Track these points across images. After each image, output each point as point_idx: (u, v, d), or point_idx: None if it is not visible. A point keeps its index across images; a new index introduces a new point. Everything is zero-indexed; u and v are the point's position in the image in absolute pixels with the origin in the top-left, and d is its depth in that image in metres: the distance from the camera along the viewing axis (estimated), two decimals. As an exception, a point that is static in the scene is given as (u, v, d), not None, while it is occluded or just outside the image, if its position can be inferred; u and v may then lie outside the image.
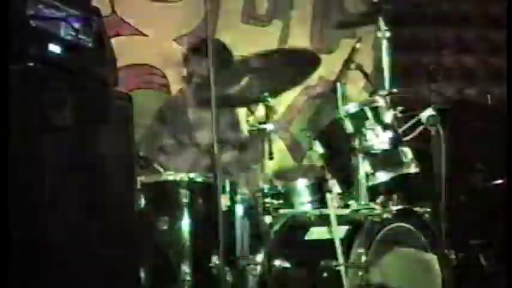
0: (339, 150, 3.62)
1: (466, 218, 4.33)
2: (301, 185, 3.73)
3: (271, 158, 3.48)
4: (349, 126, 3.59)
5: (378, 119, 3.57)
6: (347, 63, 4.11)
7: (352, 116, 3.61)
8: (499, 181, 4.51)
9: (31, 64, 2.45)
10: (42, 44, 2.50)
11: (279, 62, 3.57)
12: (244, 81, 3.54)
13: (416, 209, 3.57)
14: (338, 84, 4.10)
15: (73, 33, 2.58)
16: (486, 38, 5.74)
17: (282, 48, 4.58)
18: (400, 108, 3.67)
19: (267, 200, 3.48)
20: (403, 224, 3.45)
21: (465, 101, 4.72)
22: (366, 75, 4.27)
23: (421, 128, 3.76)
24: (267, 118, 3.55)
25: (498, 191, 4.52)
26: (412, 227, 3.47)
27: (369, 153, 3.51)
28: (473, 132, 4.70)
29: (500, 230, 4.37)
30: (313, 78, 4.87)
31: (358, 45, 4.14)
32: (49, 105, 2.49)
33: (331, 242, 3.33)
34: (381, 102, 3.63)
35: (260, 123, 3.56)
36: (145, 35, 4.53)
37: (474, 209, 4.51)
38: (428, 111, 3.72)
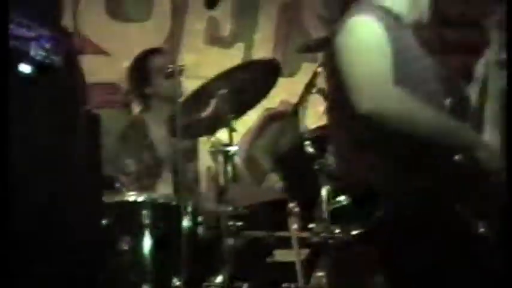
0: (300, 172, 3.65)
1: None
2: (263, 207, 3.76)
3: (235, 180, 3.49)
4: (310, 149, 3.62)
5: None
6: (309, 87, 4.15)
7: (313, 139, 3.65)
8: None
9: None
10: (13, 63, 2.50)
11: (242, 78, 3.58)
12: (211, 106, 3.54)
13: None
14: (299, 107, 4.15)
15: (43, 53, 2.57)
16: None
17: (242, 64, 4.62)
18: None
19: (230, 221, 3.48)
20: (363, 247, 3.51)
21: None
22: (327, 99, 4.32)
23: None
24: (230, 140, 3.56)
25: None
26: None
27: (330, 176, 3.55)
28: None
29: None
30: (275, 101, 4.92)
31: (319, 70, 4.18)
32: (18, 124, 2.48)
33: (292, 264, 3.37)
34: (342, 125, 3.67)
35: (223, 145, 3.57)
36: (108, 54, 4.53)
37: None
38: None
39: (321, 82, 4.26)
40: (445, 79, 2.88)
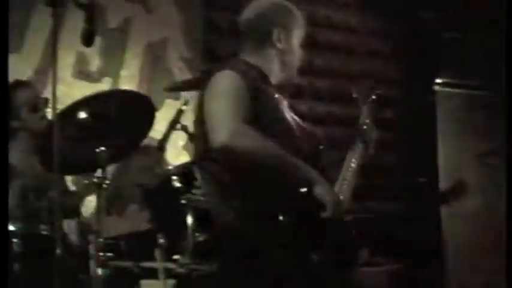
0: (168, 206, 3.79)
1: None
2: (130, 237, 3.84)
3: (109, 213, 3.58)
4: (178, 184, 3.77)
5: (206, 178, 3.77)
6: (173, 123, 4.31)
7: (181, 174, 3.80)
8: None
9: None
10: None
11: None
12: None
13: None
14: (164, 142, 4.29)
15: None
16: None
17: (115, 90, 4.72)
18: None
19: (100, 252, 3.55)
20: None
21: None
22: (190, 136, 4.48)
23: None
24: (104, 174, 3.64)
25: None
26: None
27: (195, 211, 3.69)
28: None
29: None
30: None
31: (184, 108, 4.34)
32: None
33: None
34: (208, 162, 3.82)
35: (96, 177, 3.65)
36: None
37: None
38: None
39: (185, 119, 4.45)
40: (303, 133, 3.17)
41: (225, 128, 2.86)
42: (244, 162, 2.90)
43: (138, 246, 3.85)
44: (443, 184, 5.57)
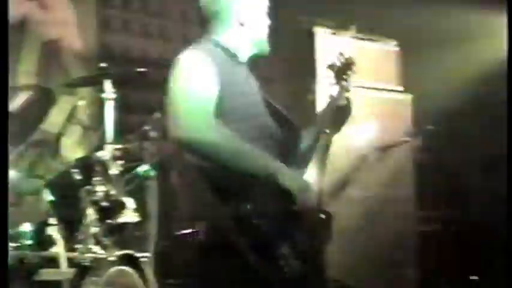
0: (67, 197, 3.89)
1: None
2: (26, 228, 3.89)
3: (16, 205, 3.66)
4: (77, 176, 3.89)
5: (104, 170, 3.88)
6: (70, 117, 4.42)
7: (81, 167, 3.92)
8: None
9: None
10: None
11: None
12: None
13: (137, 254, 3.97)
14: (60, 136, 4.40)
15: None
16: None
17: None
18: (121, 162, 3.99)
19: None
20: (124, 267, 3.84)
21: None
22: (86, 129, 4.61)
23: (137, 180, 4.14)
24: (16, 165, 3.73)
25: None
26: (131, 270, 3.88)
27: (94, 202, 3.82)
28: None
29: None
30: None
31: (80, 103, 4.47)
32: None
33: (58, 283, 3.62)
34: (106, 155, 3.92)
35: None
36: None
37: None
38: (144, 166, 4.12)
39: (81, 113, 4.58)
40: (276, 114, 3.03)
41: (189, 121, 2.71)
42: (205, 159, 2.75)
43: (39, 236, 3.90)
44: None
